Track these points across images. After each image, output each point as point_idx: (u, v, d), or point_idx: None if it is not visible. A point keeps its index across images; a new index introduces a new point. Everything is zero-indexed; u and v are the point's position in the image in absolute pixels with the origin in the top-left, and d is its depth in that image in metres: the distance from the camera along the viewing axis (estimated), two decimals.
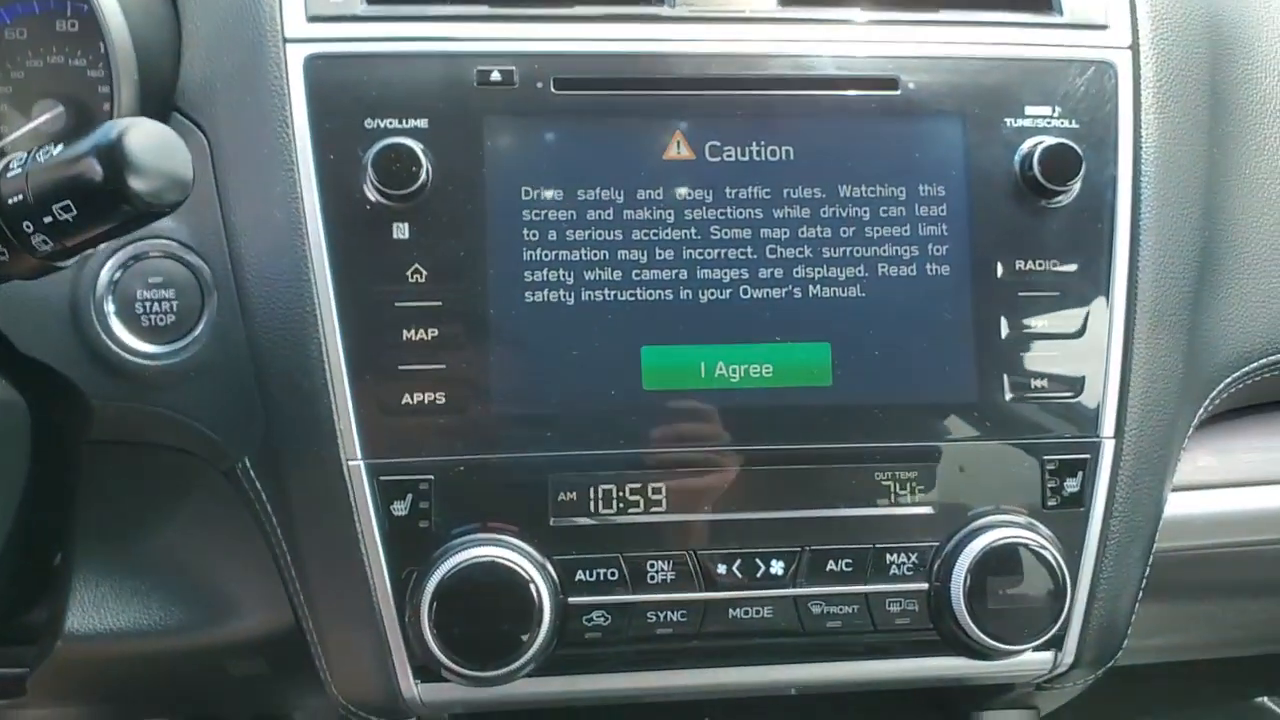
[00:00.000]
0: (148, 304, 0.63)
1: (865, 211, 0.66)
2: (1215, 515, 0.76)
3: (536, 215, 0.64)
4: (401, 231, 0.63)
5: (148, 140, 0.45)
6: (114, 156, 0.44)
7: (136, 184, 0.45)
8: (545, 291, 0.64)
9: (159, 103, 0.65)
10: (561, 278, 0.64)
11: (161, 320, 0.63)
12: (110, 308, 0.63)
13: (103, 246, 0.62)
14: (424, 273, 0.63)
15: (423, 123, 0.64)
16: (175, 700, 0.83)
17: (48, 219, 0.45)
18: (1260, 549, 0.77)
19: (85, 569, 0.70)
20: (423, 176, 0.62)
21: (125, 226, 0.46)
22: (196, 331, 0.63)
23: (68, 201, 0.45)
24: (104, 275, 0.63)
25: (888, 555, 0.65)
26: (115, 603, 0.70)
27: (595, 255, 0.64)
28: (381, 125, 0.63)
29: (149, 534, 0.71)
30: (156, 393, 0.64)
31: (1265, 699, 1.38)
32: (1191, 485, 0.75)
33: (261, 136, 0.63)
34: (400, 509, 0.62)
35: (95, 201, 0.45)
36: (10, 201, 0.45)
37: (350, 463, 0.62)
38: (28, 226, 0.45)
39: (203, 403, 0.64)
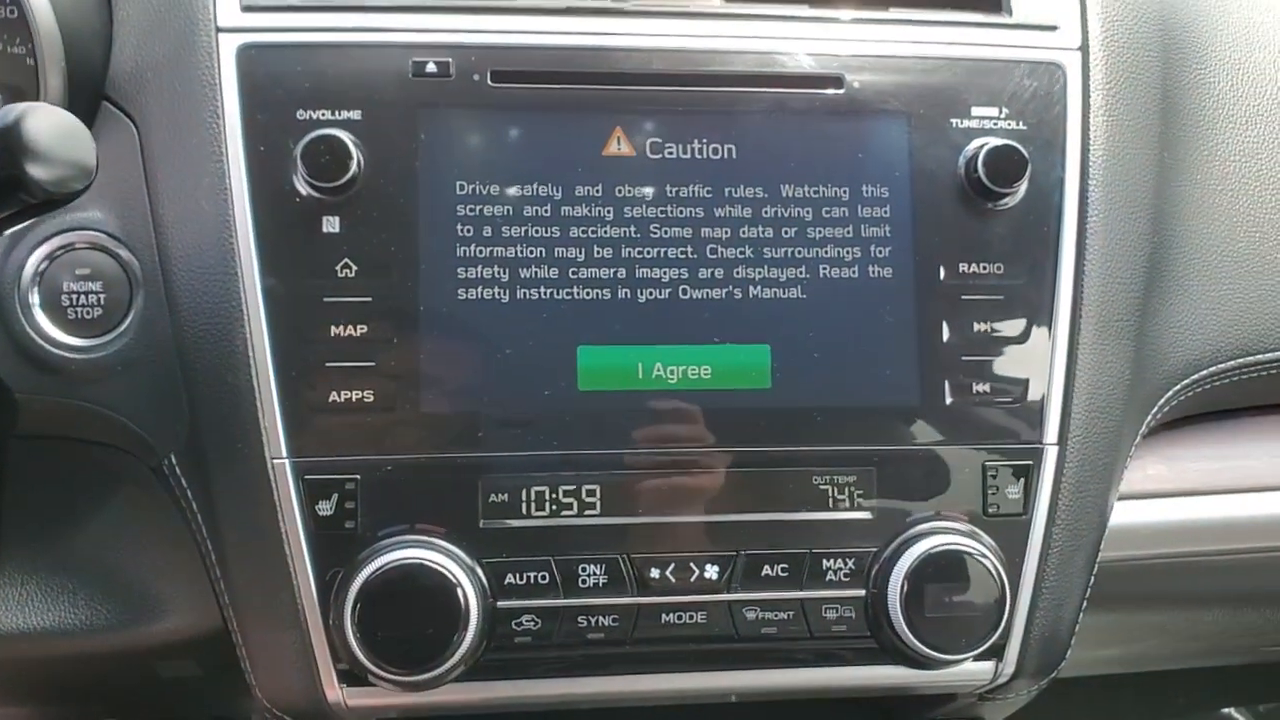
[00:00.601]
0: (74, 296, 0.62)
1: (808, 212, 0.65)
2: (1165, 524, 0.75)
3: (471, 210, 0.63)
4: (331, 225, 0.62)
5: (47, 126, 0.44)
6: (10, 142, 0.43)
7: (35, 171, 0.44)
8: (479, 289, 0.63)
9: (88, 92, 0.63)
10: (496, 275, 0.63)
11: (88, 313, 0.62)
12: (35, 299, 0.61)
13: (28, 236, 0.61)
14: (354, 267, 0.62)
15: (356, 114, 0.62)
16: (111, 702, 0.82)
17: None
18: (1211, 559, 0.76)
19: (11, 566, 0.69)
20: (353, 169, 0.61)
21: (25, 214, 0.45)
22: (124, 325, 0.62)
23: None
24: (30, 266, 0.61)
25: (825, 561, 0.64)
26: (41, 601, 0.69)
27: (530, 252, 0.63)
28: (313, 116, 0.62)
29: (77, 531, 0.69)
30: (82, 387, 0.62)
31: (1232, 710, 1.37)
32: (1140, 494, 0.74)
33: (191, 127, 0.62)
34: (325, 509, 0.61)
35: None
36: None
37: (275, 461, 0.61)
38: None
39: (129, 398, 0.62)
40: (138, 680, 0.76)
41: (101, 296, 0.62)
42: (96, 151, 0.55)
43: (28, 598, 0.68)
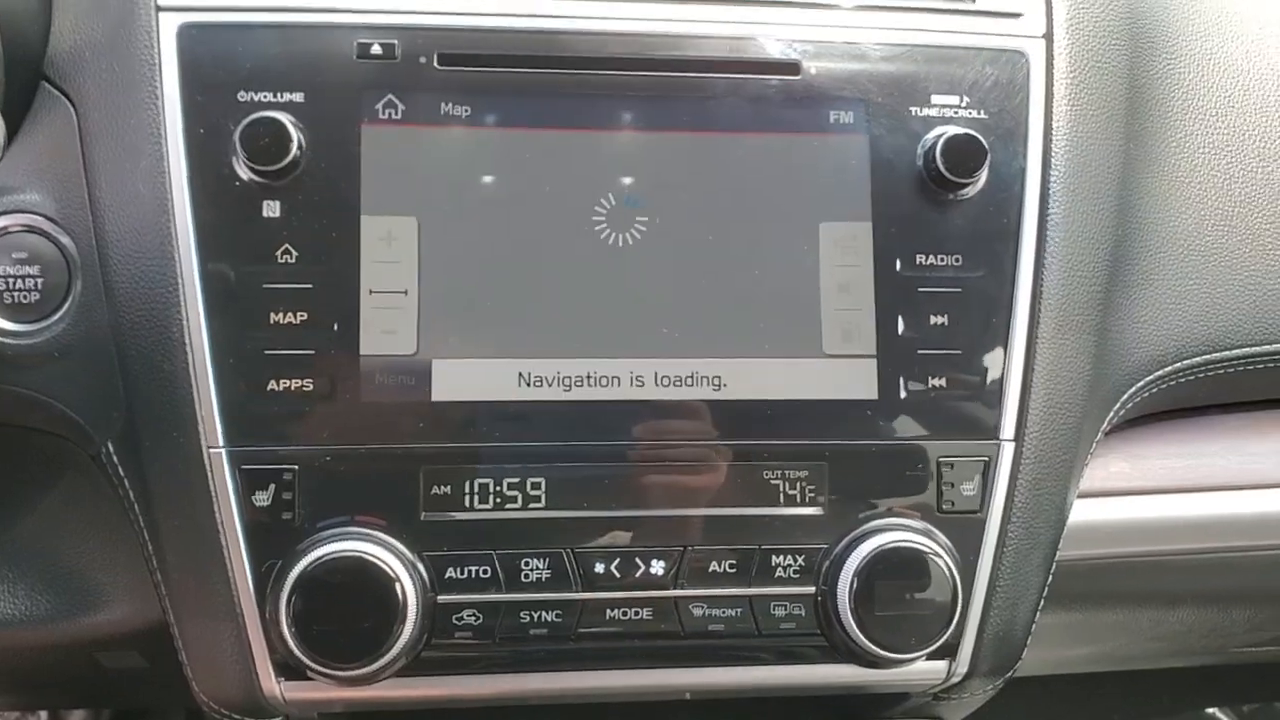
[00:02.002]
0: (11, 281, 0.61)
1: (762, 200, 0.64)
2: (1127, 523, 0.73)
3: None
4: (272, 210, 0.61)
5: None
6: None
7: None
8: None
9: (27, 72, 0.62)
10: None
11: (25, 298, 0.61)
12: None
13: None
14: (294, 253, 0.61)
15: (298, 97, 0.61)
16: (58, 692, 0.80)
17: None
18: (1174, 558, 0.75)
19: None
20: (293, 152, 0.59)
21: None
22: (61, 311, 0.61)
23: None
24: None
25: (774, 557, 0.63)
26: None
27: (473, 242, 0.62)
28: (254, 99, 0.61)
29: (16, 520, 0.68)
30: (18, 372, 0.61)
31: (1216, 710, 1.36)
32: (1103, 491, 0.72)
33: (130, 108, 0.61)
34: (262, 499, 0.60)
35: None
36: None
37: (211, 450, 0.60)
38: None
39: (65, 384, 0.61)
40: (84, 671, 0.74)
41: (39, 281, 0.61)
42: (5, 122, 0.54)
43: None
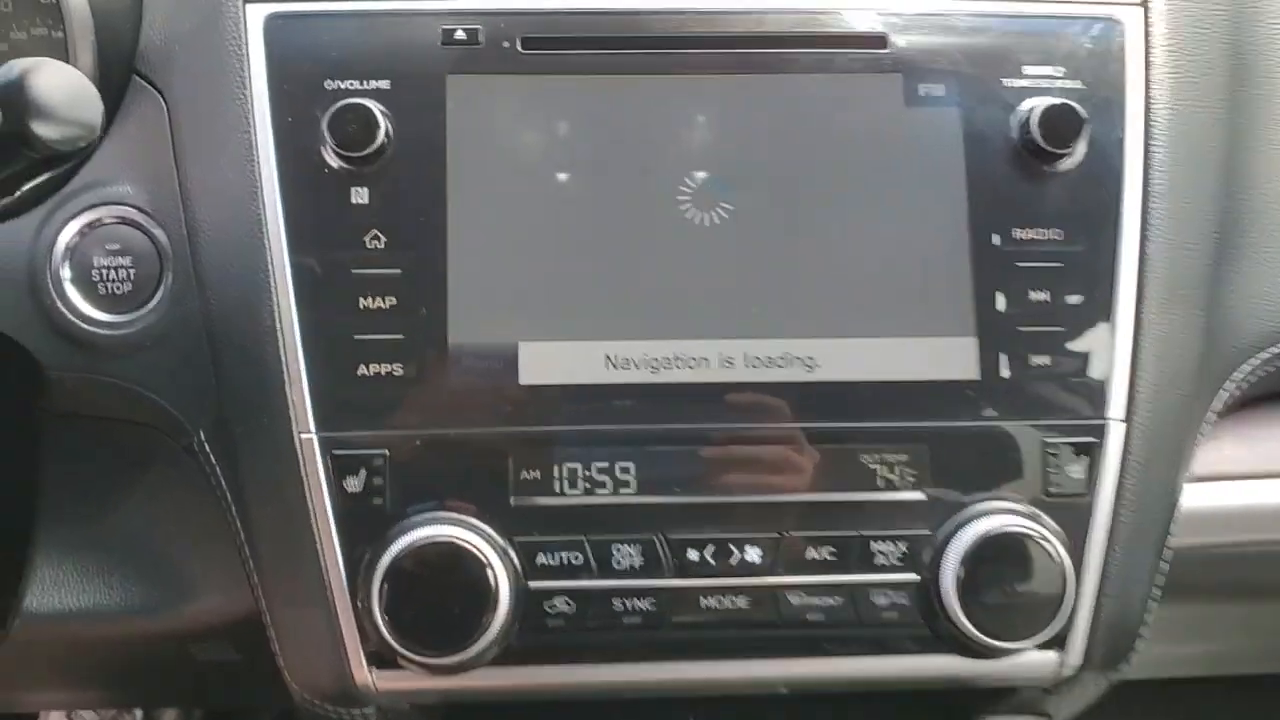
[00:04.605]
0: (104, 271, 0.61)
1: (853, 179, 0.62)
2: (1243, 509, 0.70)
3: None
4: (360, 196, 0.61)
5: (52, 82, 0.43)
6: (14, 97, 0.42)
7: (40, 128, 0.42)
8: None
9: (119, 67, 0.63)
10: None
11: (118, 288, 0.61)
12: (66, 274, 0.61)
13: (60, 212, 0.61)
14: (383, 239, 0.60)
15: (384, 84, 0.61)
16: (148, 686, 0.81)
17: None
18: None
19: (46, 547, 0.68)
20: (381, 139, 0.59)
21: (32, 171, 0.44)
22: (154, 301, 0.61)
23: None
24: (61, 241, 0.61)
25: (874, 544, 0.61)
26: (76, 582, 0.68)
27: (563, 226, 0.61)
28: (341, 86, 0.61)
29: (111, 512, 0.69)
30: (112, 363, 0.62)
31: None
32: (1217, 476, 0.69)
33: (219, 99, 0.61)
34: (354, 485, 0.59)
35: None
36: None
37: (302, 436, 0.59)
38: None
39: (159, 374, 0.62)
40: (174, 664, 0.75)
41: (131, 272, 0.62)
42: (104, 111, 0.54)
43: (62, 579, 0.68)
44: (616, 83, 0.62)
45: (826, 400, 0.61)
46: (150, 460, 0.68)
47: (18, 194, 0.50)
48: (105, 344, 0.61)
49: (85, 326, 0.61)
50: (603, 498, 0.60)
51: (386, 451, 0.59)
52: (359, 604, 0.59)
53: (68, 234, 0.61)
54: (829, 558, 0.61)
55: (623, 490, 0.60)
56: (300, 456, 0.59)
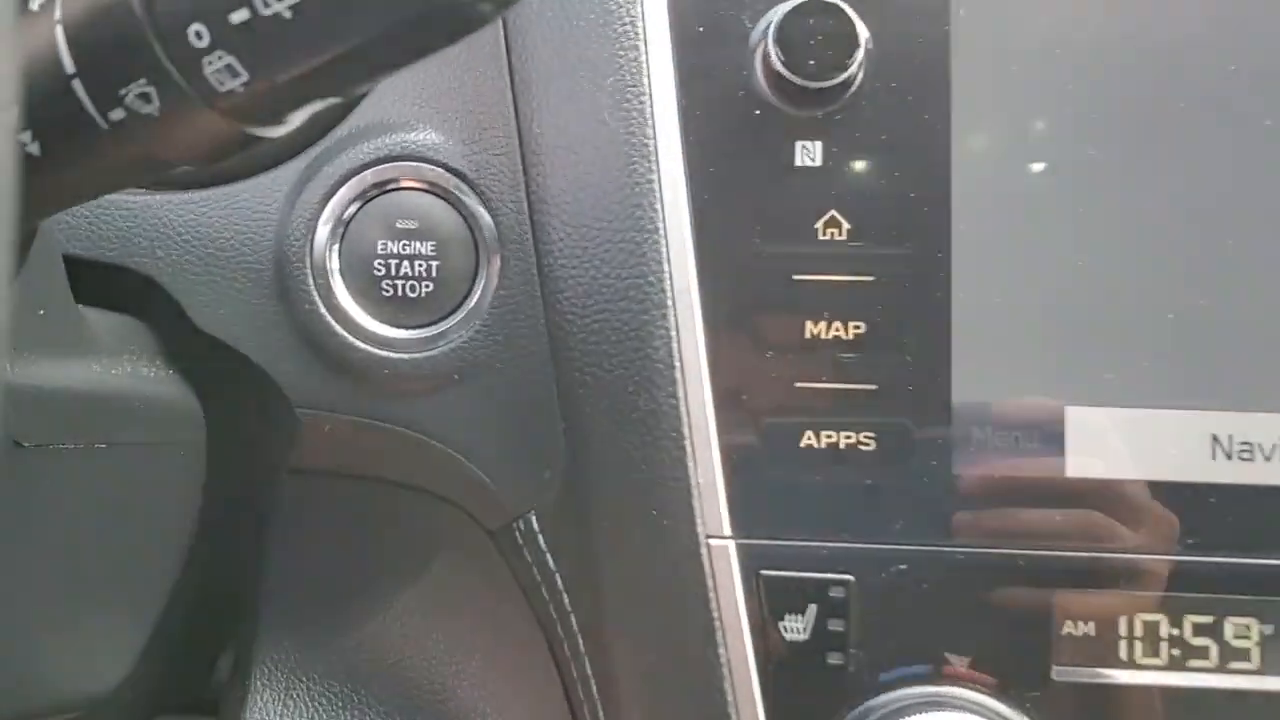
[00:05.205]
0: (393, 263, 0.40)
1: None
2: None
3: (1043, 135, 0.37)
4: (810, 155, 0.38)
5: None
6: None
7: None
8: (1057, 268, 0.37)
9: None
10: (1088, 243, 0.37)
11: (413, 289, 0.40)
12: (334, 265, 0.39)
13: (326, 168, 0.39)
14: (844, 225, 0.37)
15: None
16: None
17: (242, 14, 0.20)
18: None
19: (271, 659, 0.47)
20: (858, 58, 0.36)
21: (405, 50, 0.21)
22: (467, 308, 0.39)
23: None
24: (326, 216, 0.39)
25: None
26: (308, 713, 0.46)
27: (1147, 208, 0.37)
28: None
29: (371, 616, 0.47)
30: (397, 403, 0.40)
31: None
32: None
33: (590, 5, 0.39)
34: (796, 628, 0.36)
35: None
36: None
37: (711, 541, 0.37)
38: (198, 37, 0.20)
39: (472, 423, 0.40)
40: None
41: (433, 265, 0.40)
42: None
43: (292, 709, 0.46)
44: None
45: None
46: (427, 548, 0.46)
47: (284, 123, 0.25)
48: (391, 373, 0.39)
49: (361, 346, 0.39)
50: (1202, 675, 0.36)
51: (851, 578, 0.36)
52: None
53: (338, 203, 0.40)
54: None
55: (1237, 667, 0.36)
56: (708, 574, 0.36)
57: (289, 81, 0.20)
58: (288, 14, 0.19)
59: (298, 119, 0.22)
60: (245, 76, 0.20)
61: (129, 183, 0.25)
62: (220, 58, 0.20)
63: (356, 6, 0.19)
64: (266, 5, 0.19)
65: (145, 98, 0.21)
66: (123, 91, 0.21)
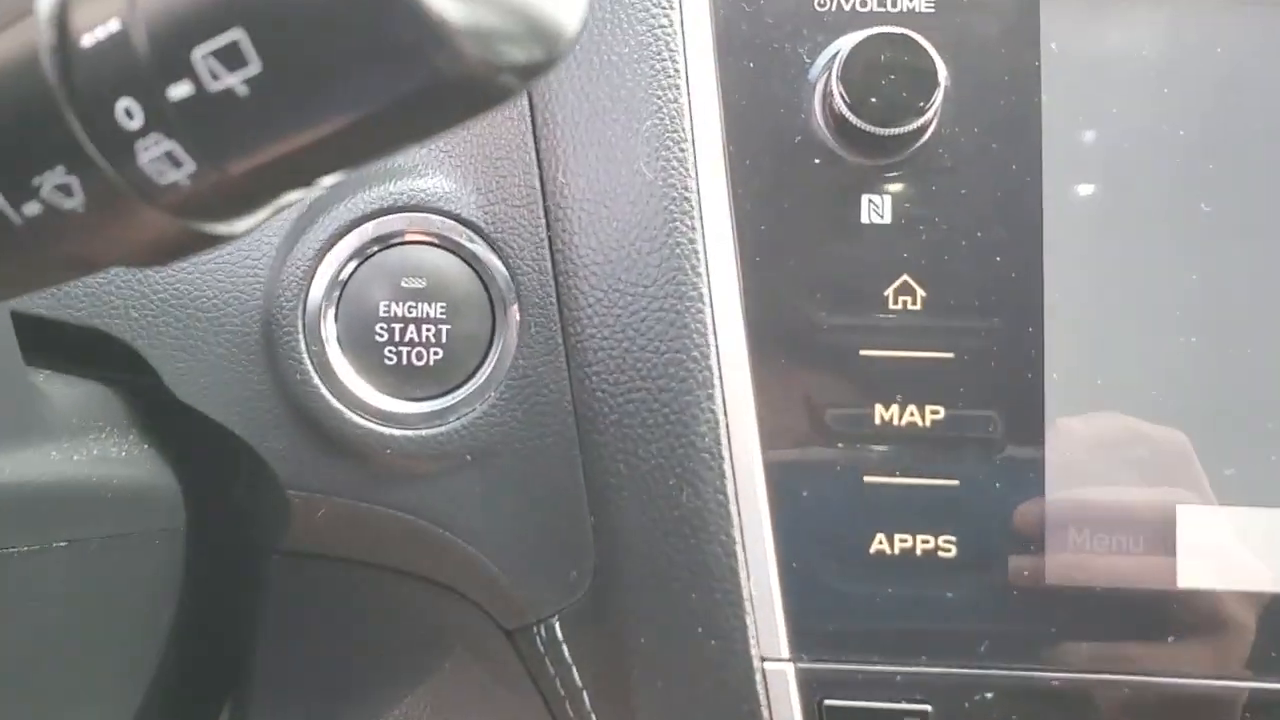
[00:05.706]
0: (398, 327, 0.35)
1: None
2: None
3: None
4: (879, 211, 0.33)
5: None
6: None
7: (451, 10, 0.14)
8: (1162, 336, 0.32)
9: None
10: (1196, 314, 0.32)
11: (420, 356, 0.35)
12: (330, 329, 0.34)
13: (322, 220, 0.35)
14: (919, 293, 0.32)
15: (926, 5, 0.33)
16: None
17: (183, 89, 0.14)
18: None
19: None
20: (936, 103, 0.31)
21: (400, 135, 0.16)
22: (481, 379, 0.35)
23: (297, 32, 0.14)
24: (322, 273, 0.34)
25: None
26: None
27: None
28: (848, 6, 0.33)
29: (365, 705, 0.42)
30: (401, 487, 0.35)
31: None
32: None
33: (622, 36, 0.34)
34: None
35: (344, 39, 0.14)
36: (87, 44, 0.15)
37: (767, 665, 0.31)
38: (128, 116, 0.15)
39: (486, 511, 0.35)
40: None
41: (443, 330, 0.35)
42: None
43: None
44: None
45: None
46: (437, 649, 0.41)
47: (248, 217, 0.19)
48: (395, 453, 0.34)
49: (360, 421, 0.34)
50: None
51: (929, 708, 0.31)
52: None
53: (336, 258, 0.35)
54: None
55: None
56: (762, 703, 0.31)
57: (247, 173, 0.15)
58: (242, 90, 0.14)
59: (264, 214, 0.17)
60: (190, 167, 0.15)
61: (67, 279, 0.21)
62: (157, 143, 0.15)
63: (336, 79, 0.14)
64: (215, 78, 0.14)
65: (64, 190, 0.16)
66: (36, 181, 0.16)
